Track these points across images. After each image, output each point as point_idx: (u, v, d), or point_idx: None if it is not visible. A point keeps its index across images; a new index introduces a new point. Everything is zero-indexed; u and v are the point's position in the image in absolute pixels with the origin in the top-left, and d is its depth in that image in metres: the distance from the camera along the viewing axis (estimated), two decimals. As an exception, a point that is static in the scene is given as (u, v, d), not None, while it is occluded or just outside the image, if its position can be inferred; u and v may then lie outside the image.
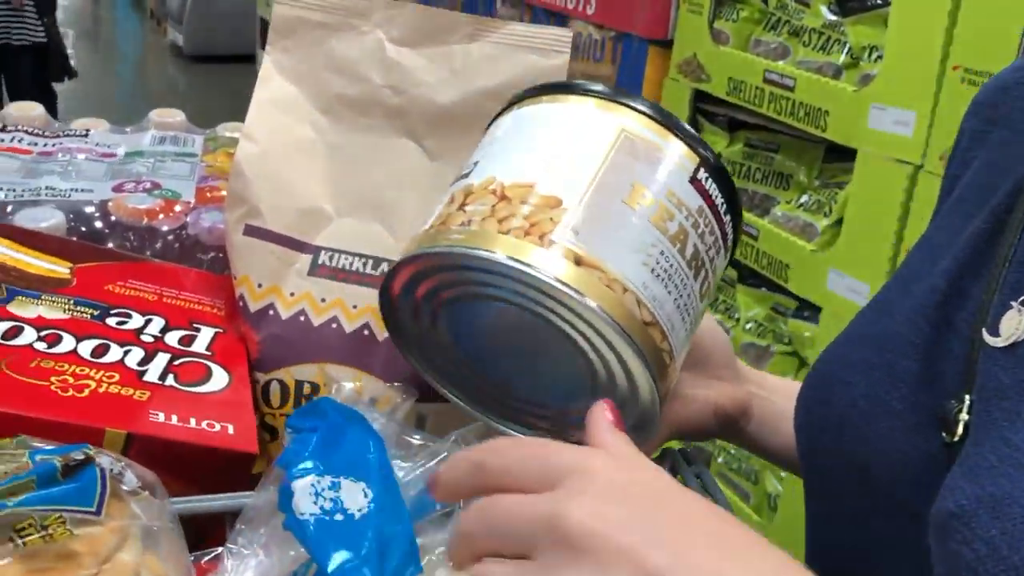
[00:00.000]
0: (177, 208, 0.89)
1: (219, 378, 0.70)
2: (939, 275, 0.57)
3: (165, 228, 0.87)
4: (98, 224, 0.86)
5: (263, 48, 0.81)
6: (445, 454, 0.49)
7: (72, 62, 4.84)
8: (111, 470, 0.45)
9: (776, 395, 0.76)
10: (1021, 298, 0.48)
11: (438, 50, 0.78)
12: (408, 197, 0.78)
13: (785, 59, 1.77)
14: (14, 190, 0.87)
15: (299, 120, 0.79)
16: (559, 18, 1.93)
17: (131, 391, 0.64)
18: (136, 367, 0.67)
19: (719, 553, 0.39)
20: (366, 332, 0.74)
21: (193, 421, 0.64)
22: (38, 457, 0.46)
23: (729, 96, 1.78)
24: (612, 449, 0.44)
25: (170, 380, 0.67)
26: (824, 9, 1.73)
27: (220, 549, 0.51)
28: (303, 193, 0.77)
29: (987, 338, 0.49)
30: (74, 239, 0.82)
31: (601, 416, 0.47)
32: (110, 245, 0.86)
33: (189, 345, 0.72)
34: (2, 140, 0.97)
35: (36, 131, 1.00)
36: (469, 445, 0.51)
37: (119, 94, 5.97)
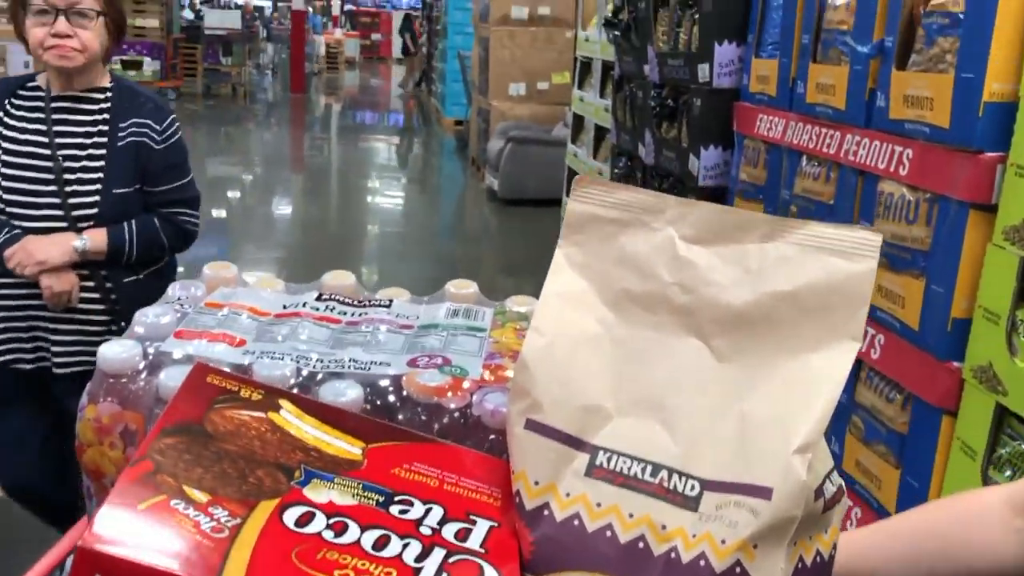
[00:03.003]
0: (464, 385, 0.91)
1: (490, 580, 0.69)
2: None
3: (452, 406, 0.89)
4: (391, 398, 0.90)
5: (567, 195, 0.83)
6: None
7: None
8: None
9: None
10: None
11: (731, 249, 0.75)
12: (692, 399, 0.74)
13: None
14: (322, 360, 0.94)
15: (586, 314, 0.79)
16: (869, 177, 1.82)
17: (405, 590, 0.65)
18: (413, 563, 0.67)
19: None
20: (640, 545, 0.70)
21: (461, 631, 0.63)
22: None
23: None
24: None
25: (443, 581, 0.67)
26: None
27: None
28: (585, 389, 0.76)
29: None
30: (369, 417, 0.86)
31: None
32: (400, 418, 0.89)
33: (464, 539, 0.72)
34: (317, 309, 1.05)
35: (347, 300, 1.08)
36: None
37: (440, 230, 6.53)
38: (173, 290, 1.07)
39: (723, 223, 0.76)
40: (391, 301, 1.09)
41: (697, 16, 2.46)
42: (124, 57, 11.50)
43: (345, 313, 1.05)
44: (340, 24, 22.64)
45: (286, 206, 7.10)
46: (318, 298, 1.08)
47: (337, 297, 1.08)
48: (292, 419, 0.80)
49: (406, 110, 14.21)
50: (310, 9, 17.14)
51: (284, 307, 1.05)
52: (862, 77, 1.78)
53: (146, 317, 0.99)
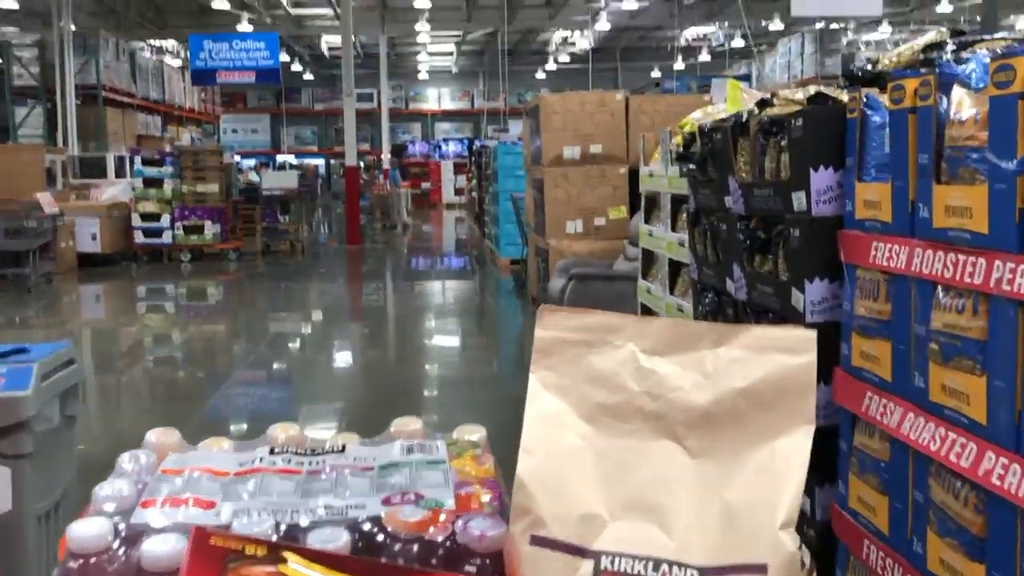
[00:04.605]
0: (442, 517, 0.95)
1: None
2: None
3: (440, 538, 0.93)
4: (379, 538, 0.93)
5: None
6: None
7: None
8: None
9: None
10: None
11: (689, 356, 0.86)
12: (677, 496, 0.83)
13: None
14: (297, 511, 0.96)
15: (566, 430, 0.87)
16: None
17: None
18: None
19: None
20: (660, 636, 0.77)
21: None
22: None
23: None
24: None
25: None
26: None
27: None
28: (579, 499, 0.83)
29: None
30: (369, 558, 0.89)
31: None
32: (393, 554, 0.92)
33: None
34: (275, 463, 1.07)
35: (300, 450, 1.10)
36: None
37: (506, 372, 6.30)
38: (124, 462, 1.06)
39: (677, 335, 0.87)
40: (344, 446, 1.12)
41: (785, 143, 2.29)
42: (186, 223, 11.13)
43: (303, 463, 1.08)
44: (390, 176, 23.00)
45: (345, 358, 6.85)
46: (271, 452, 1.09)
47: (290, 449, 1.10)
48: (303, 570, 0.82)
49: (460, 253, 14.13)
50: (361, 165, 16.98)
51: (240, 465, 1.06)
52: (1008, 197, 1.54)
53: (104, 491, 0.98)
